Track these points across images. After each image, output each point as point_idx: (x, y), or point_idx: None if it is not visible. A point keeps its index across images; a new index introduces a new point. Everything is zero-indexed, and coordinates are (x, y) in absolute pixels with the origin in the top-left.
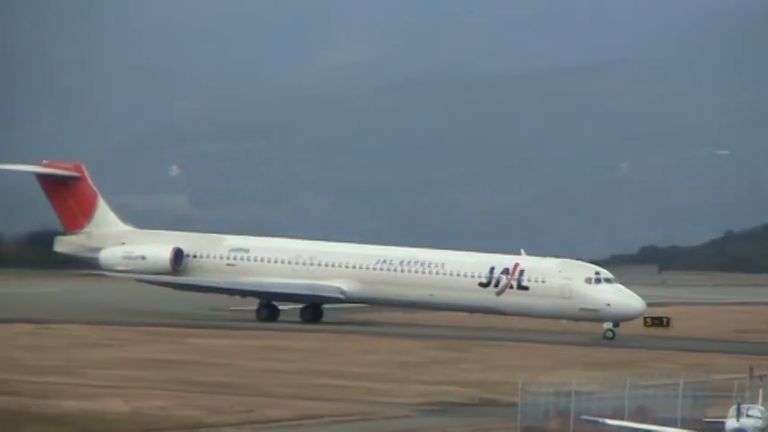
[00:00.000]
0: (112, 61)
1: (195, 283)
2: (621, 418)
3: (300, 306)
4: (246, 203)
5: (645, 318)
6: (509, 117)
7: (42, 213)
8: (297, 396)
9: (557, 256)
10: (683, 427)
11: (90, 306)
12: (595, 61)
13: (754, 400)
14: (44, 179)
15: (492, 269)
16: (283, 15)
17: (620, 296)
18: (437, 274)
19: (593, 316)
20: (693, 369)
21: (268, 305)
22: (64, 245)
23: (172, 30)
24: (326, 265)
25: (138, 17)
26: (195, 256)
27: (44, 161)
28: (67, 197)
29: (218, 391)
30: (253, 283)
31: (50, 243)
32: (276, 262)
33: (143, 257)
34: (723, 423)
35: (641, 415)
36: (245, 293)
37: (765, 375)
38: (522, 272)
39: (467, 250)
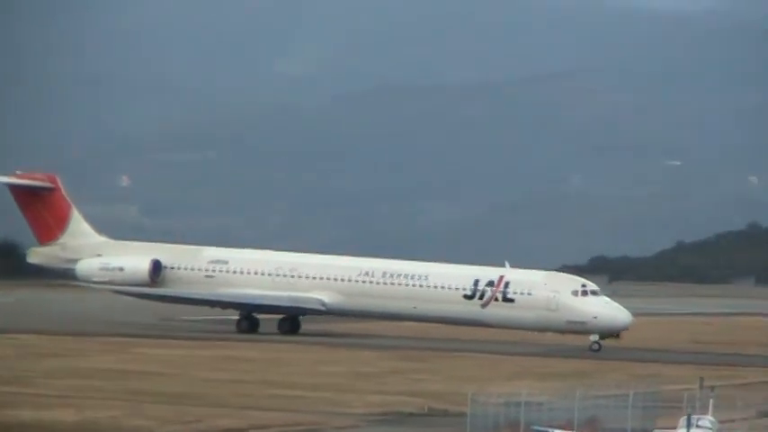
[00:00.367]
0: (72, 71)
1: (174, 294)
2: (572, 429)
3: (279, 317)
4: (201, 213)
5: None
6: (464, 126)
7: (9, 223)
8: (249, 406)
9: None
10: None
11: (51, 316)
12: (550, 72)
13: (704, 411)
14: (17, 190)
15: (476, 281)
16: (239, 27)
17: (607, 309)
18: (420, 286)
19: (581, 328)
20: (644, 380)
21: (248, 317)
22: (37, 256)
23: (130, 40)
24: (307, 277)
25: (96, 28)
26: (174, 268)
27: (17, 171)
28: (41, 208)
29: (171, 402)
30: (232, 295)
31: (16, 254)
32: (256, 273)
33: (121, 269)
34: None
35: (592, 425)
36: (224, 305)
37: (715, 386)
38: (507, 284)
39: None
